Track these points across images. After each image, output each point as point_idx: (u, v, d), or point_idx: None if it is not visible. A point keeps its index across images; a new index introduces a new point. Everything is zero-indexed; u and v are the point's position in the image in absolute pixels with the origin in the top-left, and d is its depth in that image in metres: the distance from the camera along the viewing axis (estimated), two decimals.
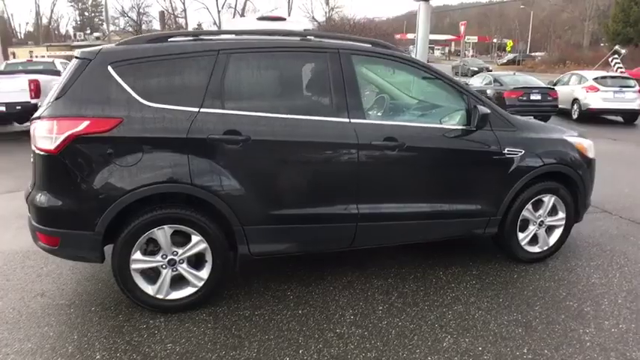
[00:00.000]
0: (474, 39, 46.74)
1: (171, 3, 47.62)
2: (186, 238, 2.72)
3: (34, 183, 2.67)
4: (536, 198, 3.44)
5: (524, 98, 10.96)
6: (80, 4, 61.16)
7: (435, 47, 57.86)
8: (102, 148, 2.52)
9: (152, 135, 2.57)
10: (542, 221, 3.53)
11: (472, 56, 51.93)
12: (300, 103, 2.90)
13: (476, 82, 12.74)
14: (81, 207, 2.54)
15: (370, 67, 3.27)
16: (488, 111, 3.12)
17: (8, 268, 3.31)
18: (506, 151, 3.24)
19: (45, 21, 49.27)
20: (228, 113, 2.70)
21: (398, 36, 38.57)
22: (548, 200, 3.48)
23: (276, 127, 2.76)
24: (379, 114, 3.19)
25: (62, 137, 2.47)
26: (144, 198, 2.58)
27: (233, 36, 3.07)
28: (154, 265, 2.71)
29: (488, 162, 3.22)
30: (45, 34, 53.97)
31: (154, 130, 2.57)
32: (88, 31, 53.20)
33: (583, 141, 3.65)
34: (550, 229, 3.61)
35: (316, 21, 24.59)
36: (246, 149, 2.70)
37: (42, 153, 2.53)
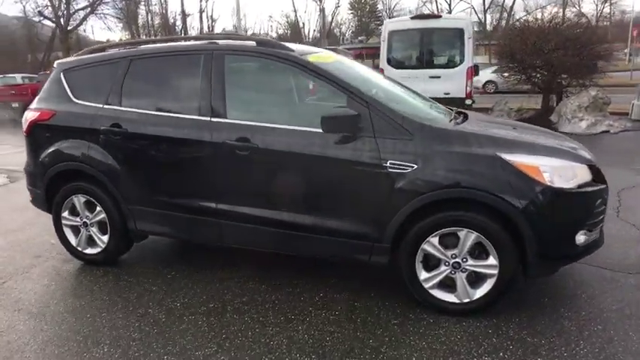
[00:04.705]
0: None
1: (436, 4, 47.64)
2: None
3: None
4: (443, 230, 2.64)
5: None
6: (359, 12, 68.39)
7: None
8: (44, 132, 3.48)
9: (70, 124, 3.39)
10: (457, 263, 2.67)
11: None
12: (176, 102, 3.15)
13: None
14: (35, 173, 3.59)
15: (249, 66, 3.19)
16: (353, 113, 2.64)
17: None
18: (388, 164, 2.64)
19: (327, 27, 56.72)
20: (118, 109, 3.25)
21: None
22: (465, 237, 2.61)
23: (148, 123, 3.14)
24: (248, 114, 3.05)
25: (27, 123, 3.56)
26: (65, 171, 3.42)
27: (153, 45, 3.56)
28: (75, 223, 3.54)
29: (361, 174, 2.69)
30: (326, 37, 60.85)
31: (72, 121, 3.38)
32: (362, 37, 57.77)
33: (543, 161, 2.54)
34: (478, 277, 2.69)
35: (584, 17, 21.01)
36: (124, 140, 3.20)
37: (24, 134, 3.69)
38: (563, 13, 35.35)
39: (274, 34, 53.24)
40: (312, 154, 2.77)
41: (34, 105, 3.62)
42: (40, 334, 2.68)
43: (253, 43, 3.09)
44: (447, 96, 9.00)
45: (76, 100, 3.41)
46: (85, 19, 32.56)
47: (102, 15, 32.71)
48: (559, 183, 2.52)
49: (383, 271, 2.96)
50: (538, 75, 10.85)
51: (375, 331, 2.62)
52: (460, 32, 9.02)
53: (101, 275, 3.40)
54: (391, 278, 3.02)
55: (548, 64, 10.42)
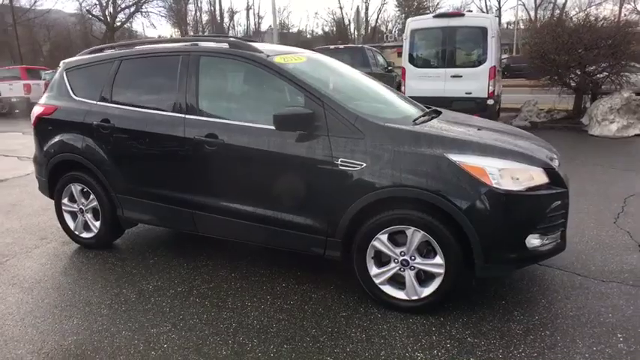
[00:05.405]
0: None
1: (486, 3, 46.47)
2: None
3: None
4: (392, 228, 2.70)
5: None
6: (406, 9, 66.73)
7: None
8: (48, 125, 3.83)
9: (68, 119, 3.70)
10: (406, 260, 2.72)
11: None
12: (156, 99, 3.37)
13: None
14: (41, 162, 3.95)
15: (222, 66, 3.33)
16: (307, 111, 2.76)
17: None
18: (339, 162, 2.74)
19: (372, 24, 55.85)
20: (108, 106, 3.53)
21: None
22: (412, 235, 2.67)
23: (132, 119, 3.40)
24: (219, 112, 3.22)
25: (34, 117, 3.92)
26: (64, 161, 3.74)
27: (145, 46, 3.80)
28: (73, 209, 3.87)
29: (315, 171, 2.81)
30: (371, 35, 58.94)
31: (70, 115, 3.69)
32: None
33: (490, 162, 2.55)
34: (427, 276, 2.73)
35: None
36: (111, 134, 3.47)
37: (32, 127, 4.06)
38: (620, 10, 33.27)
39: (320, 32, 53.94)
40: (271, 151, 2.91)
41: (41, 101, 3.98)
42: (24, 305, 2.99)
43: (226, 44, 3.26)
44: (468, 95, 8.84)
45: (75, 97, 3.73)
46: (130, 17, 34.47)
47: (146, 13, 34.59)
48: (506, 185, 2.52)
49: (350, 267, 3.06)
50: (571, 75, 10.39)
51: (321, 321, 2.73)
52: (483, 31, 8.80)
53: (92, 257, 3.71)
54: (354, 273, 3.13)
55: (581, 63, 9.98)
